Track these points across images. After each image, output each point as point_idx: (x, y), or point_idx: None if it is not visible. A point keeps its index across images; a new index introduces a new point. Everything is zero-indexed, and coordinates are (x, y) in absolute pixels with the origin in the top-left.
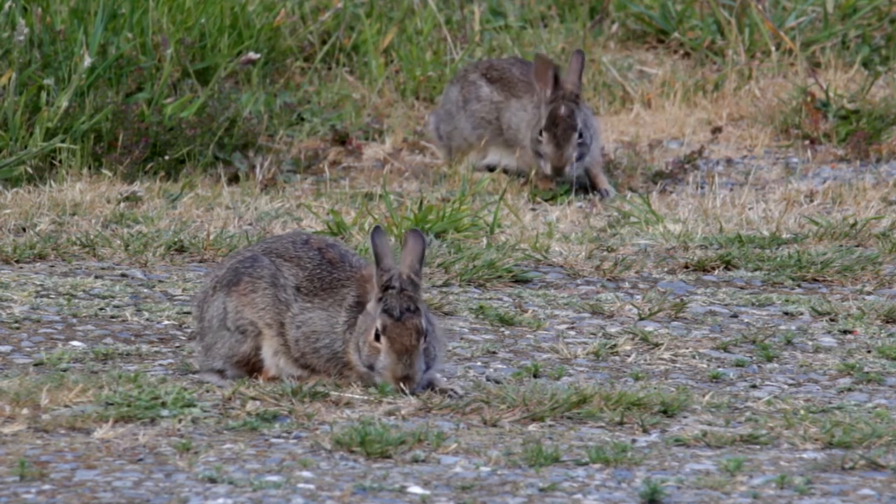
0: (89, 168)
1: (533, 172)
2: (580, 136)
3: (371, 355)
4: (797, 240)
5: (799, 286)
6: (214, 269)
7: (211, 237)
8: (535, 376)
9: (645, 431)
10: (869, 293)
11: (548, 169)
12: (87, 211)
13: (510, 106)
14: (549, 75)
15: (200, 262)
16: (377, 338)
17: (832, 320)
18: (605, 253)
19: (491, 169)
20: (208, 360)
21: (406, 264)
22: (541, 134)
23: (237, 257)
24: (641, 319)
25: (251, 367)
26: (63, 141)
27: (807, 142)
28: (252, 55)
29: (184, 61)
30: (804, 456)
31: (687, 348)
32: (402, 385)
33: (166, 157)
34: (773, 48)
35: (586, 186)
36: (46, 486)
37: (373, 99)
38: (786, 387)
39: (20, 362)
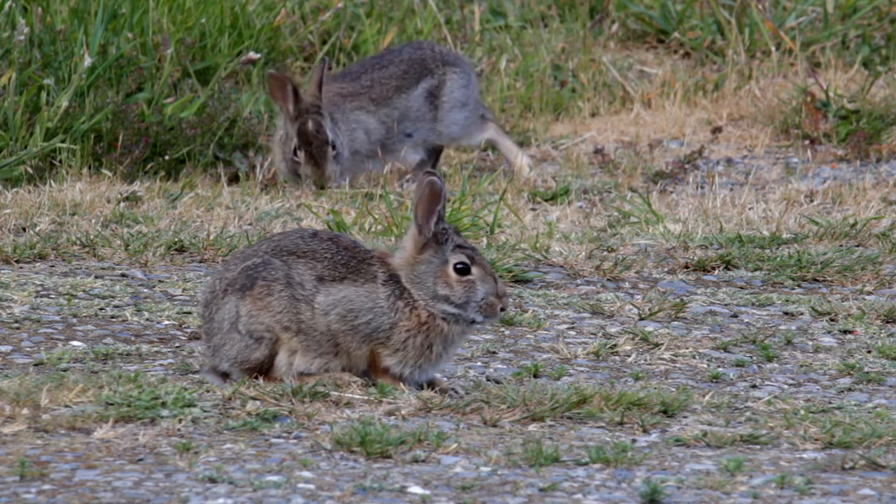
0: (89, 168)
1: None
2: (333, 147)
3: (467, 290)
4: (797, 240)
5: (799, 286)
6: (221, 269)
7: (211, 237)
8: (535, 376)
9: (645, 431)
10: (869, 293)
11: (312, 187)
12: (87, 211)
13: None
14: (288, 91)
15: (200, 262)
16: (463, 273)
17: (832, 320)
18: (605, 253)
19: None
20: (214, 361)
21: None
22: (295, 153)
23: (246, 260)
24: (641, 319)
25: (260, 371)
26: (63, 141)
27: (807, 142)
28: (252, 55)
29: (184, 61)
30: (804, 456)
31: (687, 348)
32: (504, 304)
33: (166, 157)
34: (773, 48)
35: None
36: (46, 486)
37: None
38: (786, 387)
39: (20, 362)
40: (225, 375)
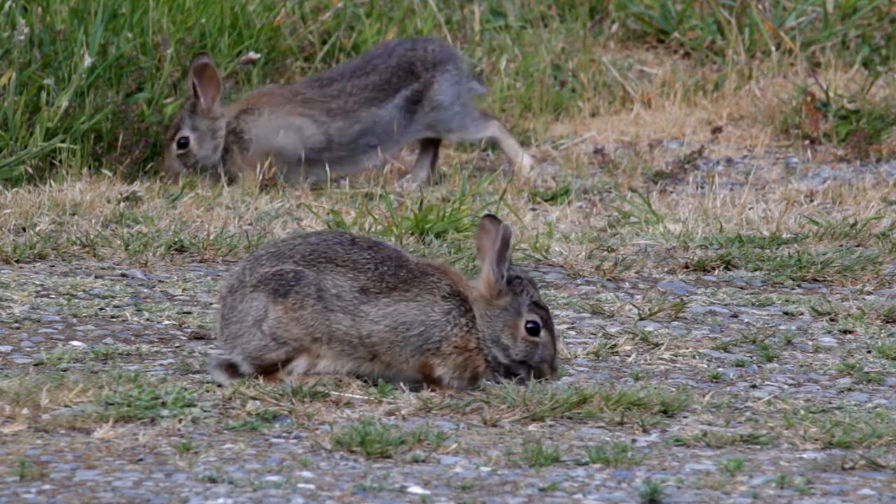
0: (89, 168)
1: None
2: (179, 145)
3: (529, 350)
4: (797, 240)
5: (799, 286)
6: (253, 259)
7: (211, 237)
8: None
9: (645, 431)
10: (869, 293)
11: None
12: (87, 211)
13: None
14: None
15: (200, 262)
16: (532, 333)
17: (832, 320)
18: (605, 253)
19: None
20: (226, 349)
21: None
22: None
23: (281, 259)
24: (641, 319)
25: (269, 370)
26: (63, 141)
27: (807, 142)
28: (252, 55)
29: (184, 61)
30: (804, 456)
31: (687, 348)
32: (553, 376)
33: None
34: (773, 48)
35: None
36: (46, 486)
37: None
38: (786, 387)
39: (20, 362)
40: (232, 367)
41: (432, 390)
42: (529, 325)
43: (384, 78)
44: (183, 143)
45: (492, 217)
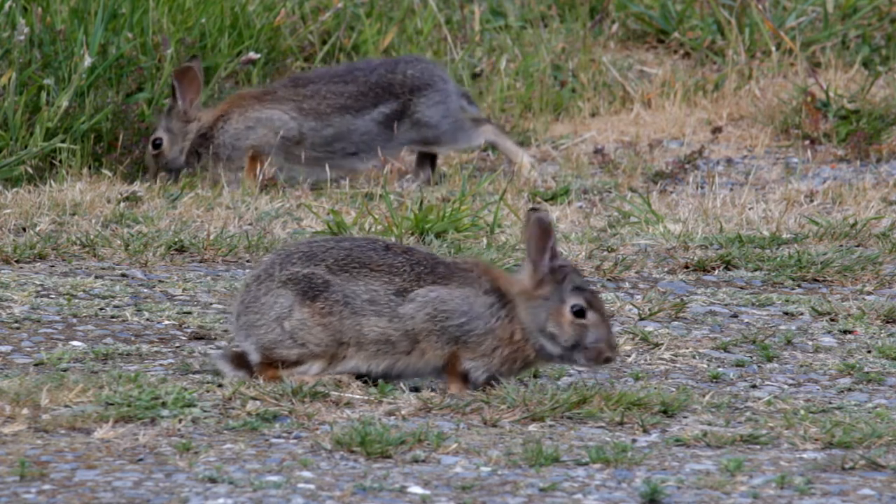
0: (89, 168)
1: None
2: (154, 146)
3: (579, 333)
4: (797, 240)
5: (799, 286)
6: (283, 253)
7: (211, 237)
8: (535, 376)
9: (645, 431)
10: (869, 293)
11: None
12: (87, 211)
13: None
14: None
15: (200, 262)
16: (579, 315)
17: (832, 320)
18: (605, 253)
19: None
20: (239, 336)
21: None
22: None
23: (313, 260)
24: (641, 319)
25: (277, 365)
26: (63, 141)
27: (807, 142)
28: (252, 55)
29: (184, 61)
30: (804, 456)
31: (687, 348)
32: (612, 355)
33: None
34: (773, 48)
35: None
36: (46, 486)
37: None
38: (786, 387)
39: (20, 362)
40: (238, 359)
41: (449, 387)
42: (574, 309)
43: (362, 91)
44: (157, 144)
45: (534, 209)
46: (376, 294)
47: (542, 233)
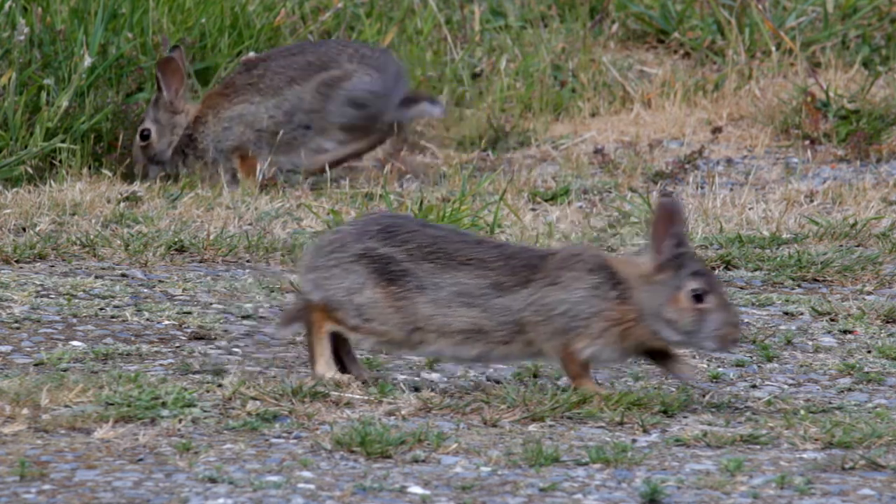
0: (89, 168)
1: None
2: (142, 137)
3: (698, 318)
4: (797, 240)
5: (799, 286)
6: (362, 225)
7: (211, 237)
8: (534, 376)
9: (645, 431)
10: (869, 293)
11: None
12: (87, 211)
13: None
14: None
15: (200, 262)
16: (698, 300)
17: (832, 320)
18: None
19: None
20: (307, 287)
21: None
22: None
23: (391, 246)
24: None
25: (329, 319)
26: (63, 141)
27: (807, 142)
28: (252, 55)
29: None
30: (804, 456)
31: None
32: (737, 335)
33: None
34: (773, 48)
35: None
36: (46, 486)
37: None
38: (786, 387)
39: (20, 362)
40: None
41: (576, 386)
42: (694, 293)
43: (307, 60)
44: (145, 136)
45: (663, 194)
46: (466, 287)
47: (668, 218)
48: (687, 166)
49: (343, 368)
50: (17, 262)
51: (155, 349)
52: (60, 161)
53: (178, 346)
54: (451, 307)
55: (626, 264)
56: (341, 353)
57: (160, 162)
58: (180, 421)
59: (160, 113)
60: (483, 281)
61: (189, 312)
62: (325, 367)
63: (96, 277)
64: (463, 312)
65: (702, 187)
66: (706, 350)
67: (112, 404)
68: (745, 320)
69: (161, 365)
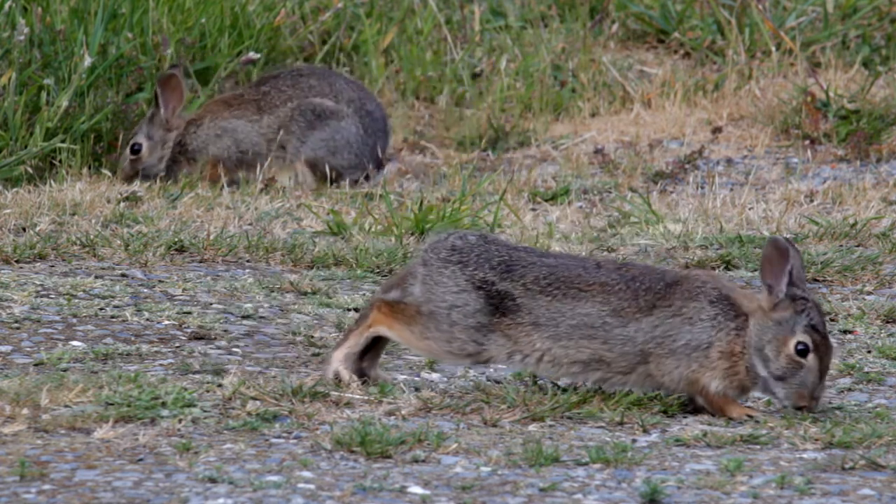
0: (89, 168)
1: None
2: (132, 150)
3: (790, 369)
4: (797, 240)
5: None
6: (481, 248)
7: (211, 237)
8: (535, 376)
9: (645, 431)
10: (869, 293)
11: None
12: (87, 211)
13: None
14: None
15: (200, 262)
16: (802, 353)
17: (832, 320)
18: (605, 253)
19: None
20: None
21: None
22: None
23: (507, 279)
24: None
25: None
26: (63, 141)
27: (807, 142)
28: (252, 55)
29: (184, 61)
30: (804, 456)
31: None
32: (809, 405)
33: None
34: (773, 48)
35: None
36: (46, 486)
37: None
38: None
39: (20, 362)
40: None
41: (724, 414)
42: (799, 346)
43: (306, 83)
44: (136, 150)
45: (777, 238)
46: (587, 318)
47: (779, 256)
48: (687, 166)
49: (360, 369)
50: (17, 262)
51: (155, 349)
52: (60, 161)
53: (178, 346)
54: (571, 339)
55: (746, 297)
56: (371, 353)
57: (148, 176)
58: (180, 421)
59: (154, 129)
60: (604, 308)
61: (189, 312)
62: (343, 360)
63: (96, 277)
64: (584, 344)
65: (702, 187)
66: (776, 398)
67: (112, 404)
68: None
69: (161, 365)
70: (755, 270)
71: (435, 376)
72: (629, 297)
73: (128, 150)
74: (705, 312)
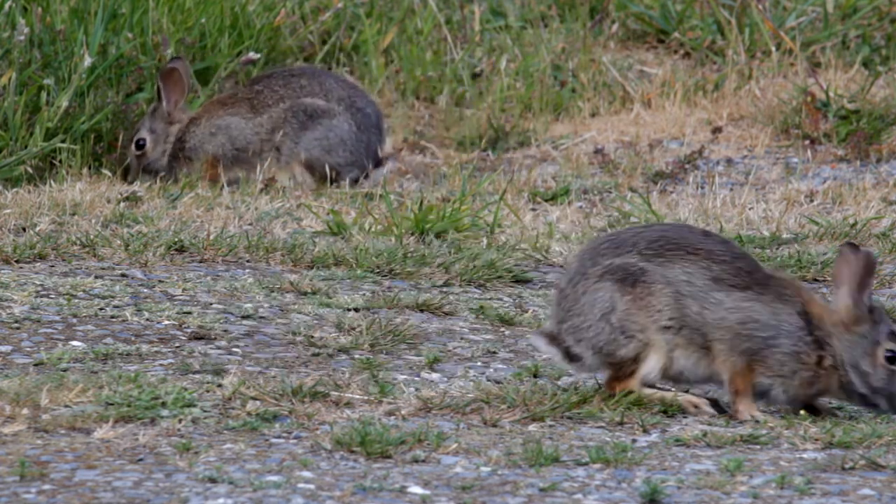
0: (89, 168)
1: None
2: (137, 146)
3: (889, 378)
4: (797, 240)
5: None
6: (594, 247)
7: (211, 237)
8: (535, 376)
9: (645, 431)
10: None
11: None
12: (87, 211)
13: None
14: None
15: (200, 262)
16: (892, 361)
17: None
18: None
19: None
20: (566, 339)
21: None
22: None
23: (622, 248)
24: None
25: (623, 371)
26: (63, 141)
27: (807, 142)
28: (252, 55)
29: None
30: (804, 456)
31: None
32: None
33: None
34: (773, 48)
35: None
36: (46, 486)
37: (373, 99)
38: None
39: (20, 362)
40: (574, 357)
41: (737, 406)
42: (889, 354)
43: (301, 84)
44: (140, 145)
45: (852, 245)
46: (693, 277)
47: (867, 270)
48: (687, 166)
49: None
50: (17, 262)
51: (155, 349)
52: (60, 161)
53: (178, 346)
54: (684, 297)
55: (825, 310)
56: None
57: (153, 171)
58: (180, 421)
59: (157, 123)
60: (707, 273)
61: (189, 312)
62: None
63: (96, 277)
64: (690, 304)
65: (702, 187)
66: (878, 408)
67: (112, 404)
68: None
69: (161, 365)
70: None
71: (435, 376)
72: (732, 271)
73: (133, 147)
74: (792, 321)
